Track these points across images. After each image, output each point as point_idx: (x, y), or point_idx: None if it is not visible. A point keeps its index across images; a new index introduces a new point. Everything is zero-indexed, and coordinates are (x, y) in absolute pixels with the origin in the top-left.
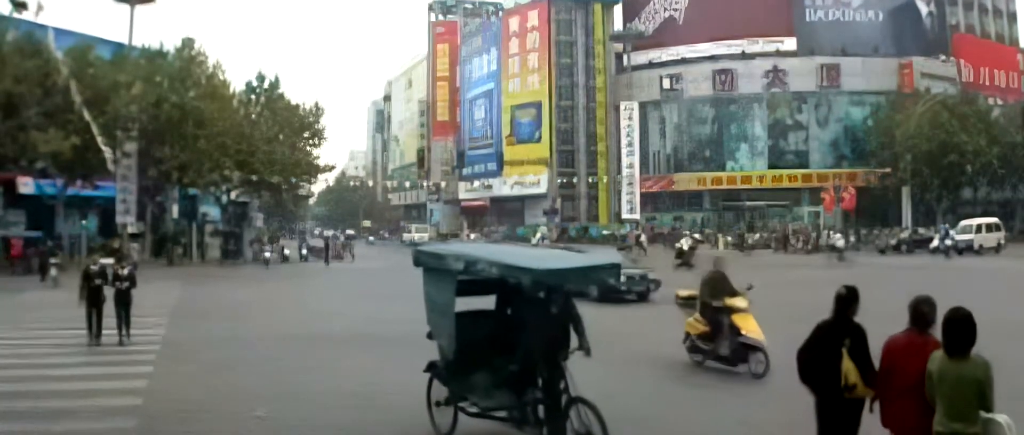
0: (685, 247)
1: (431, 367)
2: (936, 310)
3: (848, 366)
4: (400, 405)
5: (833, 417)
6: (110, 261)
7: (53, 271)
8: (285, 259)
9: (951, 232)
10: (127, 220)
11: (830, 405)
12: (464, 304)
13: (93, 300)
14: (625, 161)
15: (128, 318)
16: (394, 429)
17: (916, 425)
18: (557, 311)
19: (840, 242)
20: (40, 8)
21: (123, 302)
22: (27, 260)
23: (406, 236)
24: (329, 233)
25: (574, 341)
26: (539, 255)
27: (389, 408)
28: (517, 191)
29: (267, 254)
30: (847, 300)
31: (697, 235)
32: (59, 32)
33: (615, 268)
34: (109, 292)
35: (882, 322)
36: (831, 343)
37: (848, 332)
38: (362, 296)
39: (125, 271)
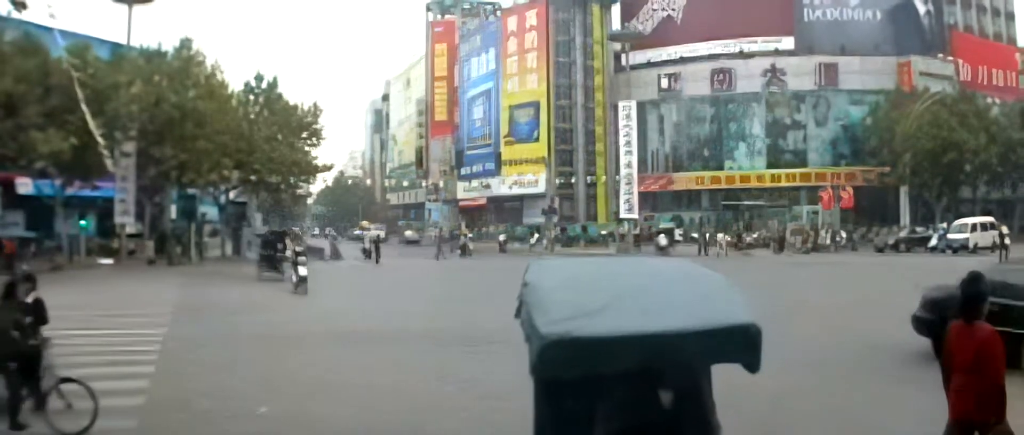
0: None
1: None
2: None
3: None
4: (404, 403)
5: None
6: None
7: (24, 267)
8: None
9: (1006, 235)
10: (126, 220)
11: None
12: None
13: None
14: (623, 160)
15: (39, 384)
16: (399, 427)
17: (975, 398)
18: (639, 396)
19: (663, 241)
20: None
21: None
22: (21, 259)
23: (366, 234)
24: (379, 231)
25: None
26: (628, 292)
27: (394, 406)
28: (516, 190)
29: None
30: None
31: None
32: (57, 32)
33: (750, 336)
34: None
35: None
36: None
37: None
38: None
39: (29, 299)
